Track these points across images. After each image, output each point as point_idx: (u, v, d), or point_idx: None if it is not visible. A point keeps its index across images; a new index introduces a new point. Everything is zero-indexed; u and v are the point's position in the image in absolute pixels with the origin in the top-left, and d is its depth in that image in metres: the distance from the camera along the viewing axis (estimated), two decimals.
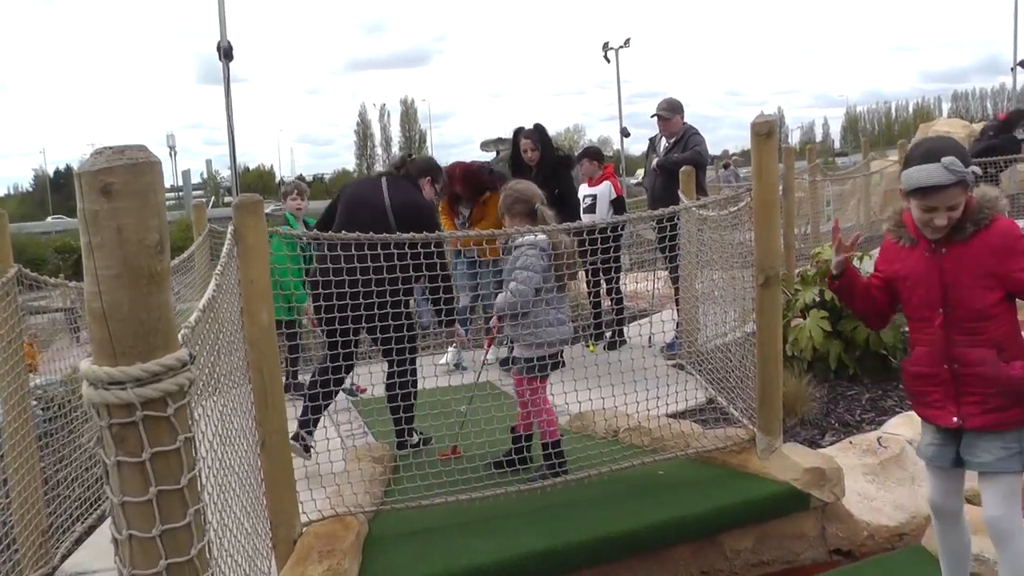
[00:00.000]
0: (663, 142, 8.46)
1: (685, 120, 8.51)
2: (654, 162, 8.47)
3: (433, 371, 6.40)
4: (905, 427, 5.69)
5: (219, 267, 3.14)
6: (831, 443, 5.66)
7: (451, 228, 8.16)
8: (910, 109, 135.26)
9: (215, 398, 2.74)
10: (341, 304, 4.48)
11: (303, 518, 4.13)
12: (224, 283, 3.11)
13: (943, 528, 3.42)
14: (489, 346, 5.98)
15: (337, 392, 5.69)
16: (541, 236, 4.78)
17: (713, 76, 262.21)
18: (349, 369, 5.62)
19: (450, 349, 7.96)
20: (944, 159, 2.96)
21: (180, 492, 1.56)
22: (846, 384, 6.90)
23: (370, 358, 6.87)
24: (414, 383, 5.49)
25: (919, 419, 5.67)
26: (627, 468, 4.78)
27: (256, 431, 3.81)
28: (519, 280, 4.76)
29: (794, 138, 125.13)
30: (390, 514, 4.47)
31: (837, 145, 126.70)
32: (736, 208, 5.22)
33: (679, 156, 8.04)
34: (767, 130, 4.70)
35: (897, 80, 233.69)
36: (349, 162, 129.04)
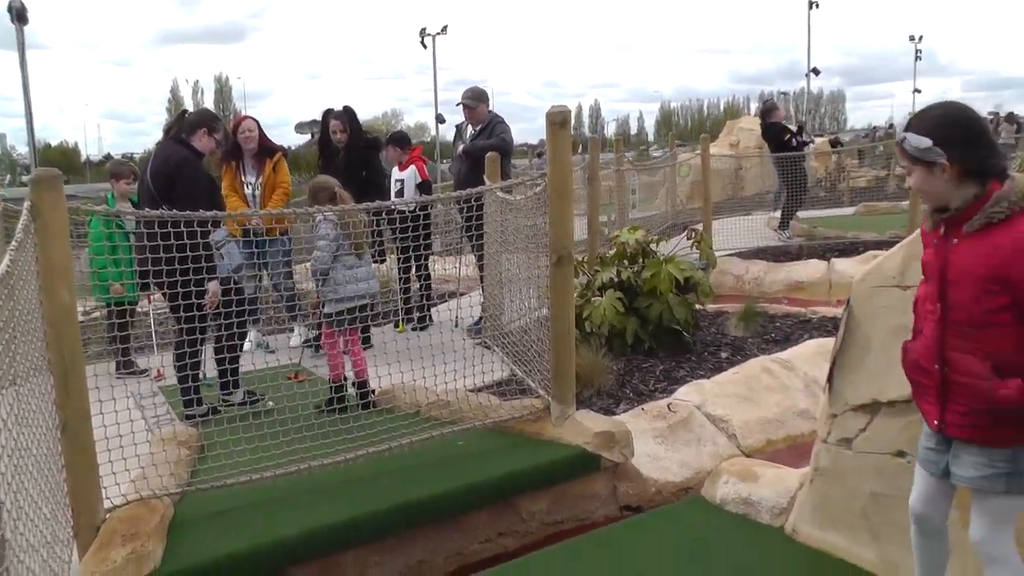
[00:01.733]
0: (469, 129, 8.69)
1: (492, 109, 8.77)
2: (460, 148, 8.70)
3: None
4: (694, 394, 6.13)
5: (14, 244, 3.13)
6: (625, 411, 6.01)
7: (240, 204, 8.01)
8: (721, 107, 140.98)
9: (11, 377, 2.74)
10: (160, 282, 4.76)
11: (106, 503, 4.12)
12: (19, 260, 3.11)
13: (920, 539, 3.13)
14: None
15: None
16: (329, 214, 5.75)
17: (532, 67, 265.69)
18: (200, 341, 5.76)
19: (250, 334, 7.97)
20: (912, 131, 2.80)
21: None
22: (642, 357, 7.31)
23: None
24: (231, 347, 5.75)
25: (708, 386, 6.23)
26: (427, 439, 4.99)
27: (56, 414, 3.79)
28: (319, 248, 5.82)
29: (610, 130, 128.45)
30: (196, 496, 4.52)
31: (651, 138, 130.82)
32: (534, 192, 5.49)
33: (484, 143, 8.27)
34: (561, 119, 5.00)
35: (709, 79, 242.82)
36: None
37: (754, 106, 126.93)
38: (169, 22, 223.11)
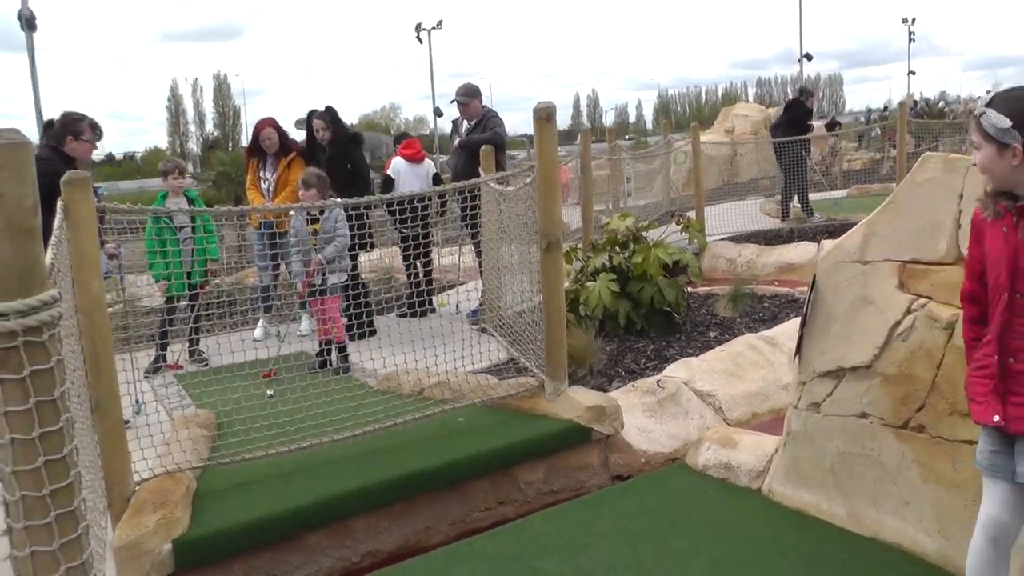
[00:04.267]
0: (464, 124, 9.07)
1: (486, 102, 9.15)
2: (456, 142, 9.08)
3: (251, 344, 6.77)
4: (682, 370, 6.46)
5: (53, 240, 3.44)
6: (617, 388, 6.33)
7: (258, 198, 8.58)
8: (719, 93, 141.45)
9: None
10: None
11: (135, 477, 4.47)
12: (59, 254, 3.45)
13: (991, 552, 2.91)
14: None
15: None
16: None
17: (529, 58, 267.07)
18: None
19: (261, 322, 8.40)
20: (994, 108, 2.71)
21: (54, 402, 1.99)
22: (634, 338, 7.65)
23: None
24: None
25: (696, 363, 6.56)
26: (430, 416, 5.36)
27: (90, 394, 4.16)
28: (343, 234, 6.80)
29: (608, 119, 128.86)
30: (217, 470, 4.86)
31: (650, 126, 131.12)
32: (525, 184, 5.82)
33: (479, 136, 8.66)
34: (547, 115, 5.34)
35: (707, 67, 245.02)
36: (161, 139, 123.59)
37: (752, 91, 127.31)
38: (167, 21, 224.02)
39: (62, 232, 3.80)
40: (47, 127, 6.50)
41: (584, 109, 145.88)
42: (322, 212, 6.76)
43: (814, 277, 4.28)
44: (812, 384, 4.27)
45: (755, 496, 4.56)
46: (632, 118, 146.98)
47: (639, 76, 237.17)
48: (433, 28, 37.33)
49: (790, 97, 16.51)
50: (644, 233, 8.38)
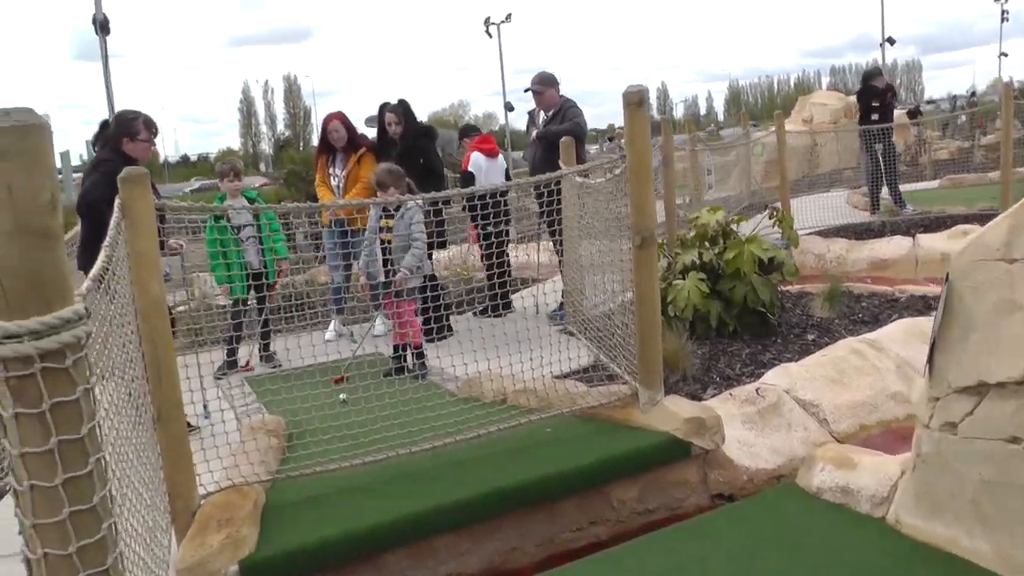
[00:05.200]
0: (542, 115, 8.66)
1: (562, 93, 8.71)
2: (533, 134, 8.68)
3: (324, 346, 6.47)
4: (782, 377, 5.97)
5: (107, 240, 3.15)
6: (712, 396, 5.89)
7: (328, 195, 8.34)
8: (791, 83, 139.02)
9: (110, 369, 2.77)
10: None
11: (201, 490, 4.21)
12: (115, 256, 3.14)
13: None
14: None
15: None
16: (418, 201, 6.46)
17: (596, 51, 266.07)
18: None
19: (332, 323, 8.13)
20: None
21: (80, 441, 1.63)
22: (727, 341, 7.17)
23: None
24: None
25: (795, 369, 6.09)
26: (515, 427, 4.98)
27: (152, 405, 3.87)
28: (420, 238, 6.58)
29: (679, 112, 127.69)
30: (287, 483, 4.57)
31: (721, 118, 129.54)
32: (613, 176, 5.42)
33: (557, 128, 8.21)
34: (638, 99, 4.91)
35: (778, 56, 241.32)
36: (234, 141, 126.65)
37: (825, 80, 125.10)
38: (238, 26, 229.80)
39: (119, 232, 3.49)
40: (103, 128, 6.26)
41: (654, 102, 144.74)
42: (397, 208, 6.42)
43: (947, 277, 3.78)
44: (947, 400, 3.76)
45: (878, 525, 4.06)
46: (703, 110, 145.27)
47: (707, 68, 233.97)
48: (502, 22, 37.03)
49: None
50: (734, 227, 7.89)
